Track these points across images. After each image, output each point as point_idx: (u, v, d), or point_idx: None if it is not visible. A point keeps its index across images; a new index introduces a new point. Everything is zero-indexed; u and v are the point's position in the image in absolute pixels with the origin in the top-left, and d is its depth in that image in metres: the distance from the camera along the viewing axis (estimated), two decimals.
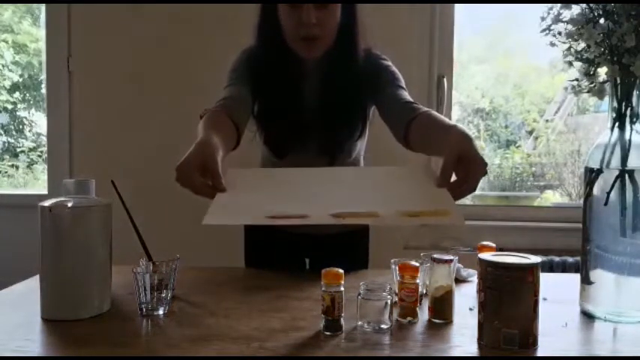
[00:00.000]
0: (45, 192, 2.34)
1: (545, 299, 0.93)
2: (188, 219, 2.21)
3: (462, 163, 0.89)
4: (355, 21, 1.24)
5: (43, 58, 2.42)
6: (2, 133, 2.71)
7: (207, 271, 1.25)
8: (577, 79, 1.00)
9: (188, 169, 0.89)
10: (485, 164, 0.89)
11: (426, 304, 0.95)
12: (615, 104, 0.96)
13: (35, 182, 2.68)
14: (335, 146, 1.28)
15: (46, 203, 0.91)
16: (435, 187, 0.91)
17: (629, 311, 0.93)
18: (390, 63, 1.30)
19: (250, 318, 0.93)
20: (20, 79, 2.68)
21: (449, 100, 2.23)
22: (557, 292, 1.05)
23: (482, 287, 0.82)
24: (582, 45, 0.96)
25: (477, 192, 2.47)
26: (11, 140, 2.74)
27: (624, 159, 0.94)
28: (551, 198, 2.47)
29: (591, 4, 0.94)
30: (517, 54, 2.62)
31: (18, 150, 2.71)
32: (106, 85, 2.31)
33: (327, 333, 0.86)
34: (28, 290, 1.05)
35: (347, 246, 1.39)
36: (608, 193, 0.94)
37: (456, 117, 2.42)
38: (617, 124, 0.96)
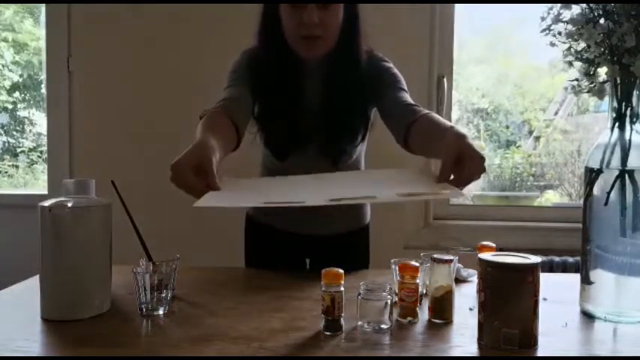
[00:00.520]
0: (45, 192, 2.34)
1: (545, 299, 0.94)
2: (188, 219, 2.22)
3: (461, 163, 0.90)
4: (357, 22, 1.24)
5: (43, 57, 2.42)
6: (2, 133, 2.71)
7: (207, 271, 1.25)
8: (577, 79, 1.00)
9: (182, 169, 0.89)
10: (483, 159, 0.90)
11: (426, 304, 0.95)
12: (615, 104, 0.96)
13: (35, 182, 2.68)
14: (336, 148, 1.27)
15: (46, 203, 0.91)
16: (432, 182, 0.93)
17: (629, 311, 0.93)
18: (391, 65, 1.29)
19: (250, 318, 0.93)
20: (20, 79, 2.68)
21: (449, 100, 2.23)
22: (557, 292, 1.05)
23: (482, 287, 0.82)
24: (582, 45, 0.96)
25: (477, 192, 2.48)
26: (11, 140, 2.74)
27: (624, 159, 0.94)
28: (552, 198, 2.48)
29: (591, 4, 0.94)
30: (517, 54, 2.62)
31: (18, 150, 2.71)
32: (106, 85, 2.31)
33: (327, 333, 0.86)
34: (28, 290, 1.06)
35: (347, 246, 1.39)
36: (608, 193, 0.94)
37: (456, 117, 2.42)
38: (617, 124, 0.96)
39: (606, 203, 0.94)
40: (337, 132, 1.27)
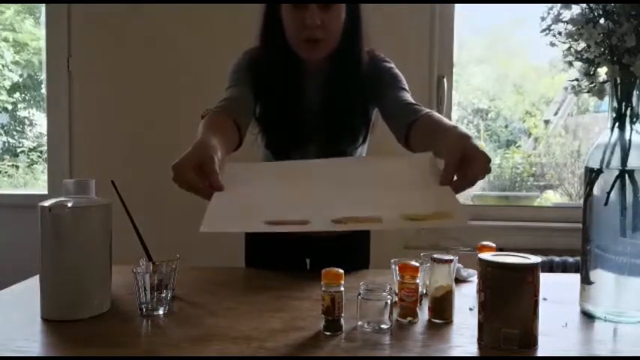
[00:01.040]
0: (45, 192, 2.34)
1: (545, 299, 0.94)
2: (188, 219, 2.21)
3: (465, 163, 0.88)
4: (359, 24, 1.24)
5: (43, 57, 2.42)
6: (2, 133, 2.71)
7: (207, 271, 1.25)
8: (577, 79, 1.00)
9: (184, 169, 0.88)
10: (489, 160, 0.89)
11: (426, 304, 0.95)
12: (615, 104, 0.96)
13: (35, 182, 2.68)
14: (336, 149, 1.27)
15: (46, 203, 0.91)
16: (437, 184, 0.90)
17: (629, 311, 0.93)
18: (392, 65, 1.29)
19: (250, 318, 0.93)
20: (20, 79, 2.68)
21: (449, 100, 2.23)
22: (557, 292, 1.05)
23: (482, 287, 0.82)
24: (582, 45, 0.96)
25: (477, 192, 2.48)
26: (11, 140, 2.74)
27: (624, 159, 0.94)
28: (552, 198, 2.47)
29: (591, 4, 0.94)
30: (517, 54, 2.62)
31: (18, 150, 2.71)
32: (106, 85, 2.31)
33: (327, 333, 0.86)
34: (28, 290, 1.05)
35: (347, 246, 1.39)
36: (608, 193, 0.94)
37: (456, 117, 2.42)
38: (617, 124, 0.96)
39: (606, 203, 0.94)
40: (337, 132, 1.26)
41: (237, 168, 0.99)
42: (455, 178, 0.90)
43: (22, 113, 2.75)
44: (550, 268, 1.97)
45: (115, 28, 2.29)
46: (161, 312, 0.94)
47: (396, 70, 1.28)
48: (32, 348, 0.81)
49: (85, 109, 2.33)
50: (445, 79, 2.21)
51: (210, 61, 2.18)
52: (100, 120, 2.32)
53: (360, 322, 0.88)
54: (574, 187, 2.44)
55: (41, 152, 2.65)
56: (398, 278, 0.95)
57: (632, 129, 0.95)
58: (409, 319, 0.92)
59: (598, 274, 0.96)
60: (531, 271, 0.80)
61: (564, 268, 1.96)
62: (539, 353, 0.80)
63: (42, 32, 2.46)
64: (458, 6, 2.24)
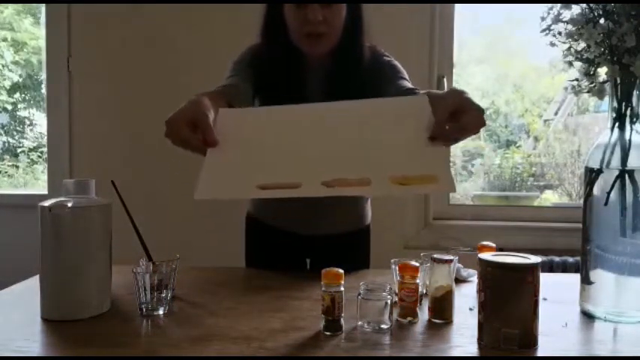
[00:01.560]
0: (45, 192, 2.34)
1: (545, 299, 0.94)
2: (188, 219, 2.23)
3: (458, 114, 0.87)
4: (360, 20, 1.25)
5: (43, 57, 2.42)
6: (2, 133, 2.71)
7: (207, 271, 1.25)
8: (577, 79, 1.00)
9: (178, 123, 0.88)
10: (482, 111, 0.87)
11: (426, 304, 0.95)
12: (615, 104, 0.96)
13: (35, 182, 2.68)
14: None
15: (46, 203, 0.91)
16: (429, 134, 0.89)
17: (629, 311, 0.93)
18: (391, 58, 1.30)
19: (250, 318, 0.93)
20: (20, 79, 2.68)
21: None
22: (557, 292, 1.05)
23: (482, 287, 0.82)
24: (582, 45, 0.96)
25: (477, 192, 2.48)
26: (11, 140, 2.74)
27: (624, 159, 0.94)
28: (551, 198, 2.47)
29: (591, 4, 0.94)
30: (517, 54, 2.62)
31: (18, 150, 2.71)
32: (106, 85, 2.31)
33: (327, 333, 0.86)
34: (28, 290, 1.06)
35: (347, 246, 1.39)
36: (608, 193, 0.94)
37: None
38: (617, 124, 0.96)
39: (606, 203, 0.94)
40: None
41: (229, 116, 0.97)
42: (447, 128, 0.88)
43: (22, 113, 2.75)
44: (550, 268, 1.97)
45: (115, 28, 2.29)
46: (161, 312, 0.94)
47: (396, 62, 1.29)
48: (32, 348, 0.81)
49: (85, 109, 2.33)
50: (445, 79, 2.21)
51: (210, 61, 2.17)
52: (100, 120, 2.32)
53: (360, 322, 0.88)
54: (574, 187, 2.44)
55: (41, 152, 2.65)
56: (398, 278, 0.95)
57: (632, 129, 0.95)
58: (409, 319, 0.92)
59: (598, 274, 0.96)
60: (531, 271, 0.80)
61: (564, 268, 1.96)
62: (539, 353, 0.80)
63: (41, 31, 2.46)
64: (458, 6, 2.24)
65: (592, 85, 0.99)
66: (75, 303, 0.91)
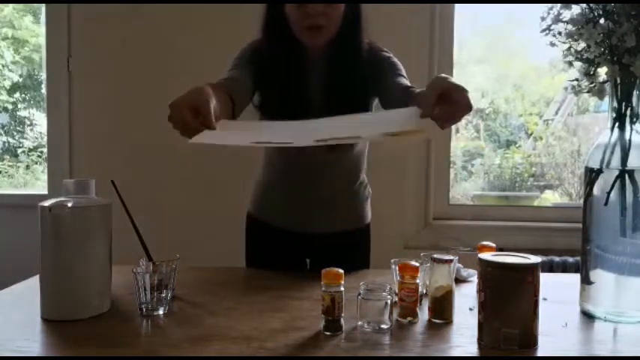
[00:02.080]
0: (45, 192, 2.34)
1: (545, 299, 0.94)
2: (188, 219, 2.23)
3: (445, 96, 0.89)
4: (359, 13, 1.27)
5: (43, 57, 2.42)
6: (2, 133, 2.71)
7: (207, 271, 1.25)
8: (577, 79, 1.00)
9: (181, 106, 0.91)
10: (467, 91, 0.90)
11: (426, 304, 0.95)
12: (615, 104, 0.96)
13: (35, 182, 2.68)
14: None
15: (46, 203, 0.91)
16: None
17: (629, 311, 0.93)
18: (390, 54, 1.31)
19: (250, 318, 0.93)
20: (20, 79, 2.68)
21: None
22: (557, 292, 1.05)
23: (483, 287, 0.82)
24: (582, 45, 0.96)
25: (477, 192, 2.48)
26: (11, 140, 2.74)
27: (624, 159, 0.94)
28: (551, 198, 2.47)
29: (591, 4, 0.94)
30: (517, 54, 2.62)
31: (18, 150, 2.71)
32: (106, 85, 2.31)
33: (327, 333, 0.86)
34: (28, 290, 1.06)
35: (347, 246, 1.40)
36: (608, 193, 0.94)
37: None
38: (617, 124, 0.96)
39: (606, 203, 0.94)
40: None
41: (228, 123, 1.02)
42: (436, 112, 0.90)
43: (22, 113, 2.75)
44: (550, 268, 1.97)
45: (115, 28, 2.29)
46: (161, 312, 0.94)
47: (394, 59, 1.30)
48: (32, 348, 0.81)
49: (85, 109, 2.32)
50: None
51: (210, 61, 2.17)
52: (100, 120, 2.32)
53: (360, 322, 0.88)
54: (574, 187, 2.44)
55: (41, 152, 2.65)
56: (398, 278, 0.95)
57: (632, 129, 0.95)
58: (409, 319, 0.92)
59: (598, 274, 0.96)
60: (531, 271, 0.80)
61: (564, 268, 1.96)
62: (539, 353, 0.80)
63: (41, 30, 2.46)
64: (458, 6, 2.24)
65: (592, 85, 0.99)
66: (75, 303, 0.91)
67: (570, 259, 1.98)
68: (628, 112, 0.96)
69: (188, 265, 1.16)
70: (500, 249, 0.99)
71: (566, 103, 2.51)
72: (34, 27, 2.65)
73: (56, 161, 2.34)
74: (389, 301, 0.87)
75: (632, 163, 0.94)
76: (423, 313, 0.94)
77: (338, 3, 1.20)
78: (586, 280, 0.98)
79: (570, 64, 1.00)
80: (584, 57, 0.97)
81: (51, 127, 2.35)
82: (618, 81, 0.96)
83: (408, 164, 2.18)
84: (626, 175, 0.93)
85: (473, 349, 0.81)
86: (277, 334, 0.85)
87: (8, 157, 2.70)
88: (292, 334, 0.86)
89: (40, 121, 2.70)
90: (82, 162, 2.32)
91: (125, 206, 1.00)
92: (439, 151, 2.23)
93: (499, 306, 0.80)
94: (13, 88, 2.69)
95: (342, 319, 0.87)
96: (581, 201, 1.00)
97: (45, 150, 2.47)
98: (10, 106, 2.70)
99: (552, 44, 0.99)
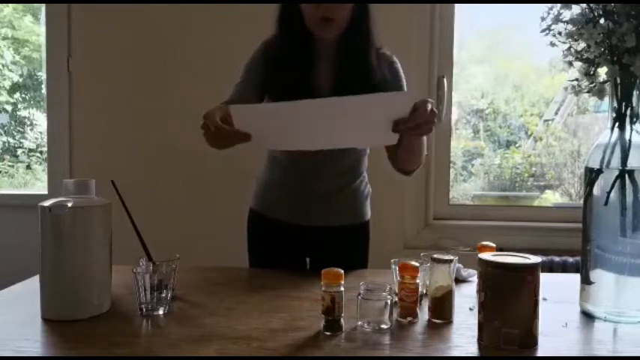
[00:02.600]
0: (45, 192, 2.34)
1: (545, 299, 0.94)
2: (188, 219, 2.22)
3: (414, 111, 1.06)
4: (367, 10, 1.32)
5: (43, 56, 2.42)
6: (2, 133, 2.71)
7: (207, 271, 1.25)
8: (577, 79, 1.00)
9: (215, 114, 1.06)
10: (432, 102, 1.07)
11: (426, 304, 0.95)
12: (615, 104, 0.96)
13: (35, 182, 2.68)
14: None
15: (46, 203, 0.91)
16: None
17: (629, 311, 0.93)
18: (396, 60, 1.36)
19: (250, 318, 0.93)
20: (20, 79, 2.68)
21: (449, 100, 2.23)
22: (557, 292, 1.05)
23: (483, 287, 0.82)
24: (582, 45, 0.96)
25: (477, 192, 2.48)
26: (11, 140, 2.73)
27: (624, 159, 0.94)
28: (551, 198, 2.47)
29: (591, 4, 0.94)
30: (517, 54, 2.62)
31: (18, 150, 2.71)
32: (106, 85, 2.31)
33: (327, 333, 0.86)
34: (28, 290, 1.05)
35: (347, 246, 1.40)
36: (608, 193, 0.94)
37: (455, 117, 2.42)
38: (617, 124, 0.96)
39: (606, 203, 0.94)
40: None
41: (242, 112, 1.09)
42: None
43: (22, 113, 2.75)
44: (550, 268, 1.96)
45: (115, 28, 2.28)
46: (161, 312, 0.94)
47: (398, 66, 1.36)
48: (32, 348, 0.81)
49: (85, 109, 2.32)
50: (445, 79, 2.21)
51: (210, 62, 2.18)
52: (100, 120, 2.32)
53: (360, 322, 0.88)
54: (574, 187, 2.44)
55: (41, 152, 2.65)
56: (398, 278, 0.95)
57: (632, 129, 0.95)
58: (409, 319, 0.92)
59: (598, 274, 0.96)
60: (531, 271, 0.80)
61: (564, 268, 1.96)
62: (539, 353, 0.80)
63: (41, 30, 2.46)
64: (458, 6, 2.24)
65: (592, 85, 0.99)
66: (75, 303, 0.91)
67: (570, 259, 1.98)
68: (628, 112, 0.95)
69: (188, 265, 1.16)
70: (500, 249, 0.99)
71: (566, 104, 2.51)
72: (34, 27, 2.65)
73: (56, 161, 2.34)
74: (389, 301, 0.87)
75: (632, 163, 0.94)
76: (423, 313, 0.94)
77: (345, 3, 1.25)
78: (586, 280, 0.98)
79: (570, 64, 1.00)
80: (584, 57, 0.97)
81: (51, 127, 2.35)
82: (618, 81, 0.96)
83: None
84: (626, 175, 0.93)
85: (473, 349, 0.81)
86: (277, 334, 0.85)
87: (8, 157, 2.70)
88: (292, 334, 0.86)
89: (40, 121, 2.70)
90: (82, 162, 2.32)
91: (125, 206, 1.00)
92: (439, 151, 2.23)
93: (499, 306, 0.80)
94: (13, 88, 2.69)
95: (342, 319, 0.87)
96: (581, 201, 1.00)
97: (45, 150, 2.47)
98: (10, 107, 2.70)
99: (552, 44, 0.99)
